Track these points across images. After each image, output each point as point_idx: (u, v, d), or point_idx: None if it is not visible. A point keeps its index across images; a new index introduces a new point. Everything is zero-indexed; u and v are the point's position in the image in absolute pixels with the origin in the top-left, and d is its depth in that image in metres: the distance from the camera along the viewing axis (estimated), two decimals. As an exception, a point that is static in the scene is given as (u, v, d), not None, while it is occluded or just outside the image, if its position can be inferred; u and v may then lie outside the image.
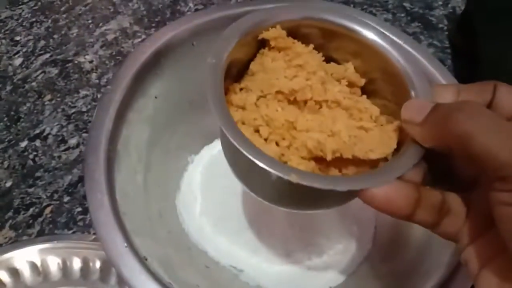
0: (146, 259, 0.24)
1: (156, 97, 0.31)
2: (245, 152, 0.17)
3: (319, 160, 0.19)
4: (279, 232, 0.33)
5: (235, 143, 0.17)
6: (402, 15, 0.49)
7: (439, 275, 0.24)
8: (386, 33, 0.22)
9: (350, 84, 0.21)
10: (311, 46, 0.22)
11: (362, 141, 0.19)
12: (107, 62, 0.45)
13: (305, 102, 0.20)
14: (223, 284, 0.30)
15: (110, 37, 0.47)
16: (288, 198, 0.21)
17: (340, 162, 0.19)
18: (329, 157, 0.18)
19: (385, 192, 0.16)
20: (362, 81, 0.22)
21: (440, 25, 0.48)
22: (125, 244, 0.23)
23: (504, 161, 0.13)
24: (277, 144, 0.19)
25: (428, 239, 0.27)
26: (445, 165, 0.18)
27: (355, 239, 0.33)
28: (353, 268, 0.32)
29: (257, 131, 0.19)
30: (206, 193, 0.35)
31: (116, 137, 0.28)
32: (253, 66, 0.22)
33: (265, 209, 0.34)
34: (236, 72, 0.22)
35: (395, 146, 0.19)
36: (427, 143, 0.17)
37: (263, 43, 0.22)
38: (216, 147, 0.37)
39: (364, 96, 0.21)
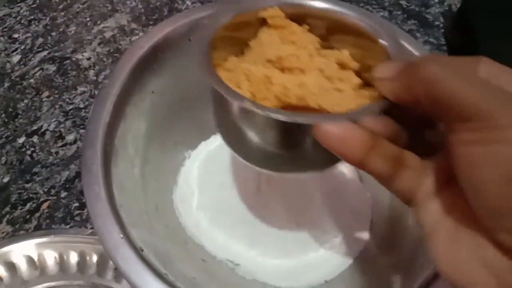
0: (142, 250, 0.24)
1: (153, 92, 0.32)
2: (213, 84, 0.19)
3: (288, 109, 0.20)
4: (275, 227, 0.33)
5: (208, 80, 0.19)
6: (399, 12, 0.49)
7: (434, 267, 0.24)
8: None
9: (343, 66, 0.22)
10: (306, 27, 0.23)
11: (332, 96, 0.19)
12: (104, 59, 0.45)
13: (291, 70, 0.21)
14: (219, 278, 0.30)
15: (107, 34, 0.47)
16: (265, 151, 0.21)
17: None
18: (293, 101, 0.19)
19: (339, 130, 0.16)
20: (354, 64, 0.22)
21: (436, 23, 0.48)
22: (121, 235, 0.23)
23: (466, 101, 0.14)
24: (254, 96, 0.20)
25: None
26: (411, 131, 0.18)
27: (352, 233, 0.33)
28: (349, 262, 0.32)
29: (239, 87, 0.20)
30: (203, 188, 0.35)
31: (113, 131, 0.28)
32: (252, 42, 0.23)
33: (262, 203, 0.34)
34: (240, 51, 0.23)
35: None
36: (396, 95, 0.17)
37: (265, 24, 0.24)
38: (213, 142, 0.37)
39: (352, 72, 0.22)
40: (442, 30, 0.48)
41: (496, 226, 0.14)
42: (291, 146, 0.20)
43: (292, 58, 0.21)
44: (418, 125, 0.18)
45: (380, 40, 0.21)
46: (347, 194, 0.36)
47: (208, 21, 0.22)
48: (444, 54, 0.18)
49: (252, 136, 0.21)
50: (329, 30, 0.23)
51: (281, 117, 0.17)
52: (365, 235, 0.33)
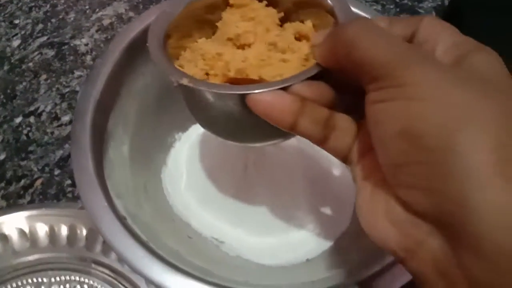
0: (125, 219, 0.25)
1: (143, 74, 0.33)
2: (155, 62, 0.20)
3: (234, 83, 0.21)
4: (260, 207, 0.34)
5: (153, 59, 0.21)
6: (391, 6, 0.50)
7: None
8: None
9: (304, 37, 0.22)
10: (264, 2, 0.24)
11: (275, 66, 0.20)
12: (102, 45, 0.46)
13: (249, 46, 0.22)
14: (204, 253, 0.31)
15: (105, 22, 0.48)
16: (224, 124, 0.22)
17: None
18: (232, 74, 0.20)
19: (268, 98, 0.17)
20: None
21: (428, 17, 0.49)
22: (106, 204, 0.24)
23: (377, 60, 0.15)
24: (207, 74, 0.21)
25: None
26: (350, 97, 0.19)
27: (335, 216, 0.34)
28: (330, 243, 0.33)
29: (196, 66, 0.22)
30: (191, 170, 0.36)
31: (103, 108, 0.29)
32: (218, 23, 0.24)
33: (248, 185, 0.35)
34: (213, 33, 0.24)
35: None
36: (324, 60, 0.18)
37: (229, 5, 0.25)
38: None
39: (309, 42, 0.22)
40: (434, 24, 0.49)
41: (397, 182, 0.15)
42: (243, 118, 0.21)
43: (249, 35, 0.22)
44: (357, 91, 0.19)
45: (336, 12, 0.22)
46: (333, 178, 0.37)
47: (169, 7, 0.23)
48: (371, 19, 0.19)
49: (207, 110, 0.22)
50: (296, 4, 0.24)
51: (223, 91, 0.19)
52: (347, 218, 0.34)
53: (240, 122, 0.21)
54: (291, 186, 0.35)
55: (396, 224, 0.15)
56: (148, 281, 0.22)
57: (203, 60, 0.22)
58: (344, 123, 0.19)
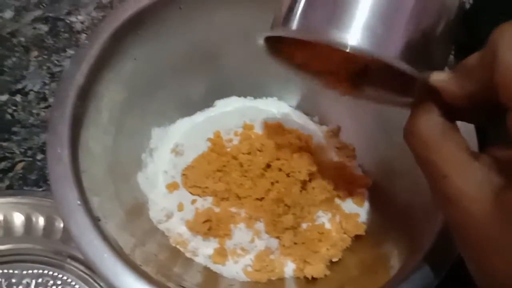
0: (99, 220, 0.23)
1: (135, 59, 0.30)
2: None
3: None
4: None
5: None
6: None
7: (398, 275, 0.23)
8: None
9: None
10: None
11: None
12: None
13: None
14: (184, 260, 0.29)
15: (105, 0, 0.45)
16: None
17: None
18: None
19: None
20: None
21: (448, 19, 0.46)
22: (79, 202, 0.22)
23: None
24: None
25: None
26: None
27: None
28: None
29: None
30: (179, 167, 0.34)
31: (87, 94, 0.27)
32: None
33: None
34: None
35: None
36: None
37: None
38: (195, 119, 0.36)
39: None
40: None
41: None
42: None
43: None
44: None
45: None
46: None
47: None
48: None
49: None
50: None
51: None
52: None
53: None
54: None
55: None
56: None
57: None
58: None
